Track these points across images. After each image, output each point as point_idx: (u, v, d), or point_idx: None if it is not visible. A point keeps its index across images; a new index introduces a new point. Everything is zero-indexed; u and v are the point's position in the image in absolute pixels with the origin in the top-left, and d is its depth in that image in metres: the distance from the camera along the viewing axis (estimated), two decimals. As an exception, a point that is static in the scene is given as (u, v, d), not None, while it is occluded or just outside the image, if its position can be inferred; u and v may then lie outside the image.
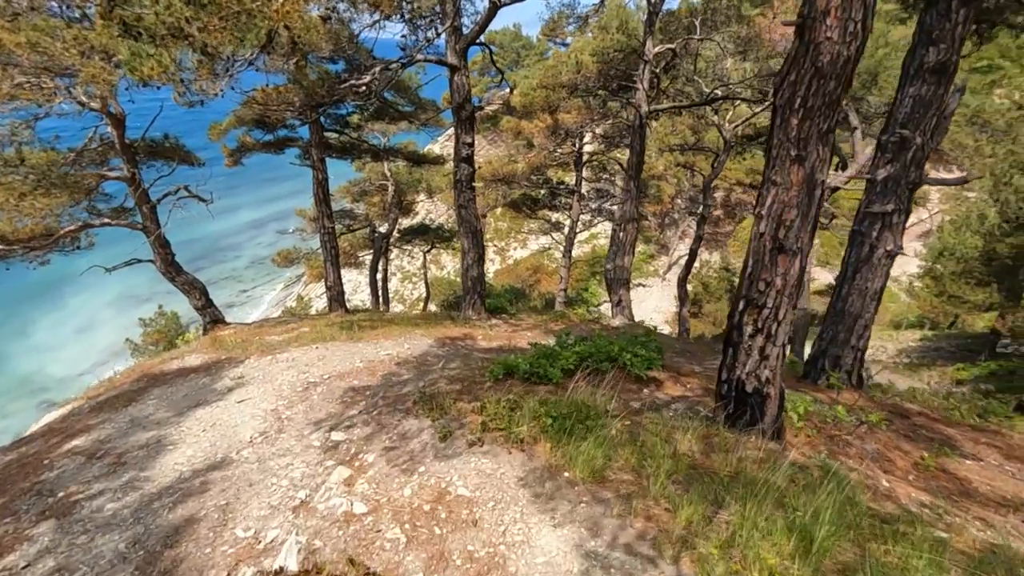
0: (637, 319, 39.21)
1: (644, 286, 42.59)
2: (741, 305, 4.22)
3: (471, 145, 11.15)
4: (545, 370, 5.76)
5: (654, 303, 39.97)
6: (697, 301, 34.33)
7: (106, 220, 12.52)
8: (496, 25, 51.24)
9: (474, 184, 11.54)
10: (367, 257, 26.37)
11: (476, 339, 9.04)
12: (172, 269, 13.22)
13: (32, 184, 10.19)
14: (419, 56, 10.20)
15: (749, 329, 4.21)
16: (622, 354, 6.15)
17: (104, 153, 12.90)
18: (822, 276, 36.24)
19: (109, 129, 12.07)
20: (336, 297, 15.48)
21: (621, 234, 13.30)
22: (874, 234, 7.00)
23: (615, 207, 27.56)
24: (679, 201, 43.66)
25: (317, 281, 29.91)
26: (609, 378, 6.02)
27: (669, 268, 42.06)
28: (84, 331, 32.92)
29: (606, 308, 40.18)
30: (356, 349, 7.72)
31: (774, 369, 4.30)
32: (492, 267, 43.20)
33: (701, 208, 17.36)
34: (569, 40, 60.86)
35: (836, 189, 17.64)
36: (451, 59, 10.60)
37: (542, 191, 24.56)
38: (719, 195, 45.30)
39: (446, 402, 5.08)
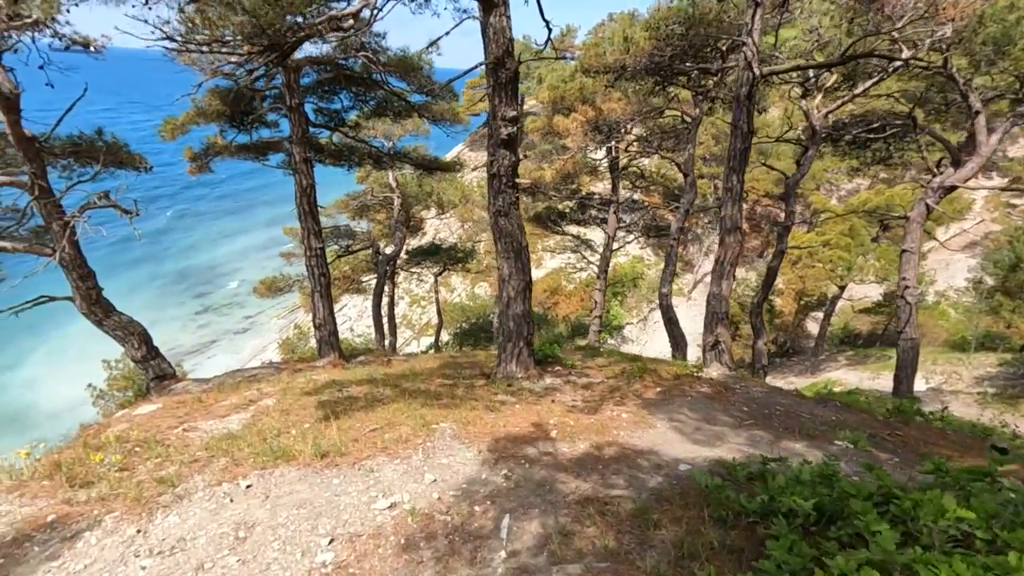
0: (663, 344, 34.82)
1: (669, 306, 38.50)
2: None
3: (515, 121, 7.13)
4: None
5: (682, 326, 35.90)
6: (735, 323, 30.09)
7: (2, 244, 8.50)
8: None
9: (517, 180, 7.53)
10: (371, 282, 22.36)
11: (550, 436, 4.90)
12: (98, 309, 9.17)
13: None
14: (438, -22, 6.28)
15: None
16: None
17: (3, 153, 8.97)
18: (870, 292, 31.92)
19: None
20: (327, 338, 11.37)
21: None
22: None
23: (669, 221, 23.91)
24: (703, 215, 39.65)
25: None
26: None
27: (695, 286, 38.04)
28: (78, 362, 29.54)
29: (629, 331, 35.96)
30: (326, 492, 3.59)
31: None
32: (506, 288, 39.18)
33: (784, 217, 13.34)
34: (579, 54, 58.08)
35: (952, 189, 13.56)
36: (485, -10, 6.66)
37: (570, 203, 20.64)
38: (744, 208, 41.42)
39: None
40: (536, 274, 40.31)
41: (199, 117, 11.10)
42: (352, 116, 13.74)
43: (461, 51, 17.13)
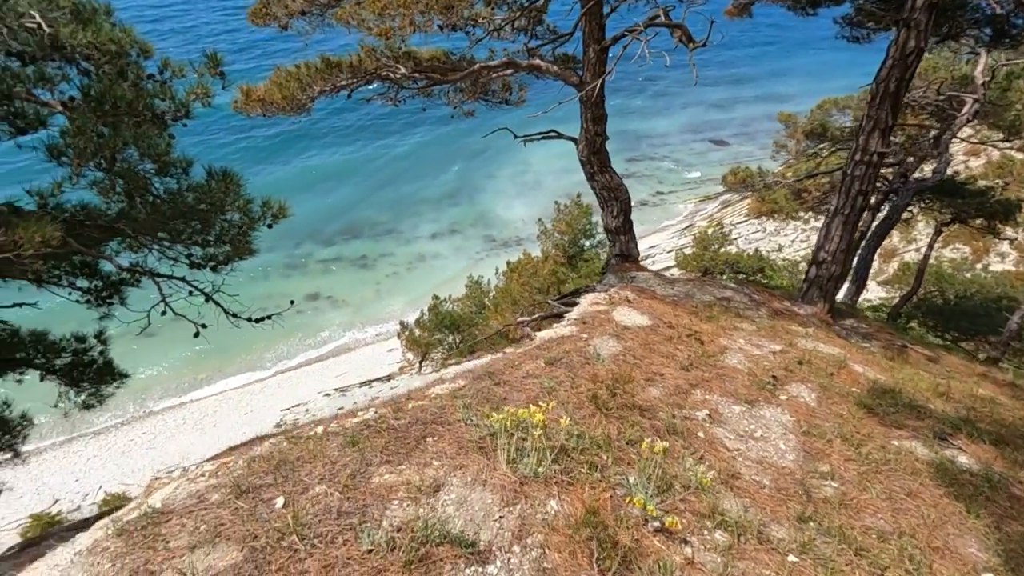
0: None
1: None
2: None
3: None
4: None
5: None
6: None
7: (535, 62, 7.44)
8: None
9: None
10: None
11: None
12: (596, 159, 7.63)
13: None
14: None
15: None
16: None
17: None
18: None
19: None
20: (825, 282, 7.62)
21: None
22: None
23: None
24: None
25: (755, 217, 21.74)
26: None
27: None
28: (532, 188, 34.30)
29: None
30: None
31: None
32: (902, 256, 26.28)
33: None
34: None
35: None
36: None
37: None
38: None
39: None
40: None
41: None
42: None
43: None
